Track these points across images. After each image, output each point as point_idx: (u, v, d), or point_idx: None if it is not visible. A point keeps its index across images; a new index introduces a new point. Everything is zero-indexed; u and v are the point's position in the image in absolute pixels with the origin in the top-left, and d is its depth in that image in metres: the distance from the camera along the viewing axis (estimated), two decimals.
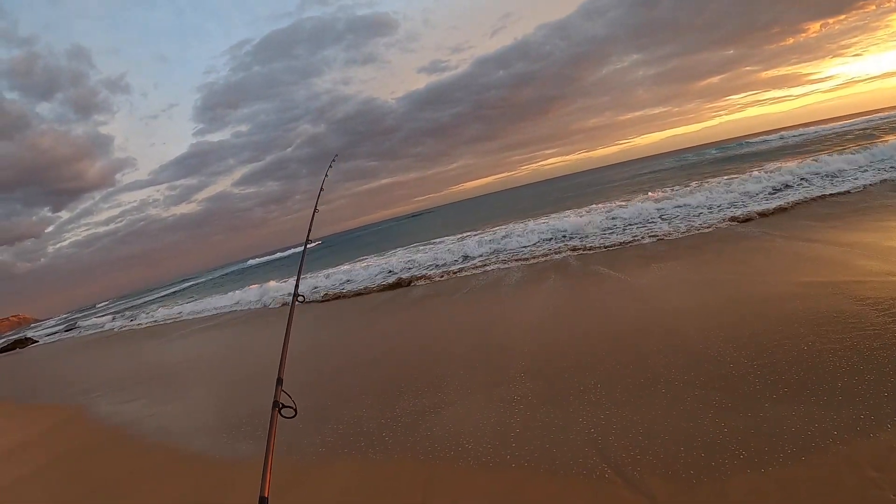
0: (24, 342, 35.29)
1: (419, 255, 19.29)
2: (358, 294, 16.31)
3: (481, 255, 16.41)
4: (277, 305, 19.22)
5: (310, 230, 4.36)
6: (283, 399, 2.10)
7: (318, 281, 19.81)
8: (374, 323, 11.86)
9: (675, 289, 8.55)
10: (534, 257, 14.05)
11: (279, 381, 2.24)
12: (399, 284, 15.62)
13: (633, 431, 4.60)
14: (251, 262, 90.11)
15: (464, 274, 14.54)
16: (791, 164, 19.68)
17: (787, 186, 15.00)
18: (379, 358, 8.71)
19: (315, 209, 4.90)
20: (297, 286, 3.15)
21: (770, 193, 14.49)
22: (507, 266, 14.00)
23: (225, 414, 7.86)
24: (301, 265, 3.50)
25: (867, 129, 39.28)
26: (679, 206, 15.92)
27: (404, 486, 4.61)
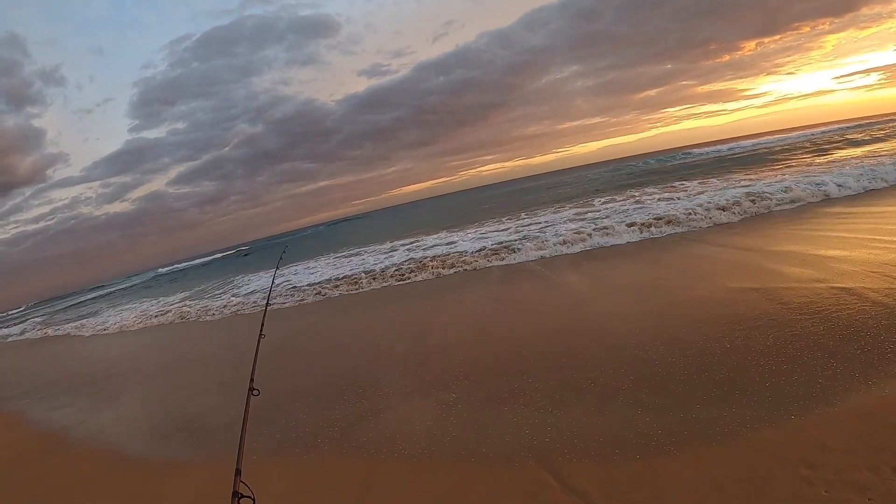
0: None
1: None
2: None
3: None
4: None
5: (263, 324, 4.29)
6: (242, 489, 1.99)
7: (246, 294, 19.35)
8: (309, 329, 11.43)
9: (611, 294, 8.63)
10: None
11: (237, 472, 2.11)
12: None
13: (567, 433, 4.51)
14: (161, 269, 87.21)
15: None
16: (729, 178, 20.57)
17: (724, 199, 15.22)
18: (316, 363, 8.47)
19: (267, 303, 4.86)
20: (252, 380, 3.00)
21: (707, 205, 14.68)
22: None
23: (160, 419, 7.54)
24: (255, 360, 3.34)
25: (799, 143, 41.36)
26: (614, 215, 16.31)
27: (341, 489, 4.43)
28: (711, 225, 12.67)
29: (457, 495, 4.02)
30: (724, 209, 13.49)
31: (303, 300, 15.13)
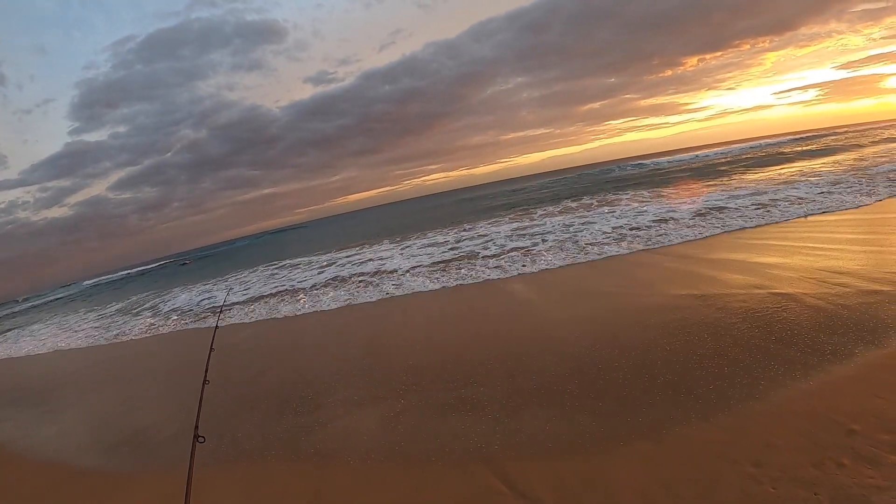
0: None
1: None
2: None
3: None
4: None
5: (207, 369, 4.15)
6: None
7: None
8: (246, 344, 10.83)
9: (556, 302, 8.68)
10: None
11: None
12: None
13: (516, 439, 4.47)
14: (85, 283, 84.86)
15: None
16: (673, 190, 21.23)
17: (671, 210, 15.68)
18: (258, 377, 8.17)
19: (211, 348, 4.75)
20: (196, 427, 2.85)
21: (652, 217, 15.11)
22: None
23: (103, 433, 7.25)
24: (200, 407, 3.19)
25: (741, 156, 43.14)
26: (563, 227, 16.53)
27: (291, 499, 4.32)
28: (659, 236, 12.78)
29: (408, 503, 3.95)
30: (668, 221, 13.85)
31: (240, 318, 14.56)
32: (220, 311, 5.82)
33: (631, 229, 13.81)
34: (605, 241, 13.14)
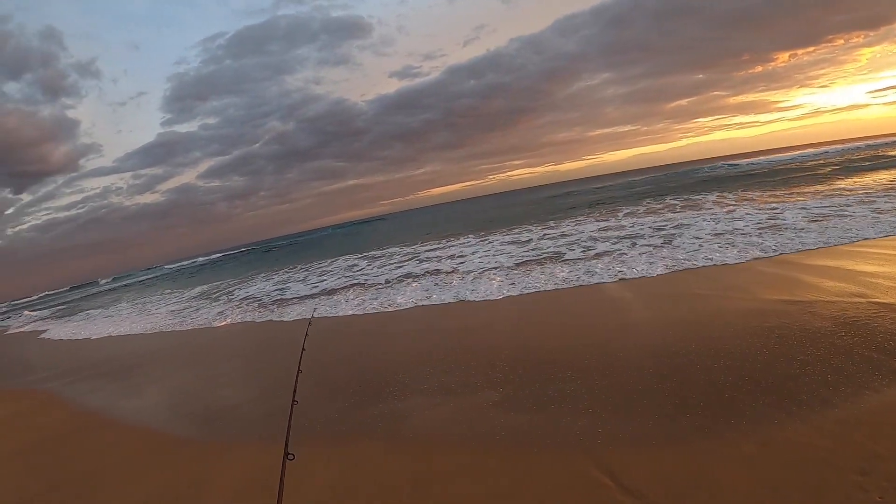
0: None
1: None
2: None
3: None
4: None
5: (295, 389, 4.21)
6: None
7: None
8: (331, 332, 11.33)
9: (652, 302, 8.73)
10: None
11: None
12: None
13: (620, 438, 4.57)
14: (166, 267, 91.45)
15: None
16: (770, 193, 20.60)
17: (773, 217, 15.03)
18: (354, 363, 8.49)
19: (298, 370, 4.85)
20: (287, 445, 2.97)
21: (757, 222, 14.56)
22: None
23: (193, 405, 7.88)
24: (289, 424, 3.26)
25: (838, 158, 40.95)
26: (652, 230, 16.35)
27: (392, 482, 4.50)
28: (757, 242, 12.21)
29: (511, 494, 4.08)
30: (767, 226, 13.55)
31: (326, 310, 14.59)
32: (307, 335, 5.91)
33: (727, 233, 13.46)
34: (699, 245, 12.83)
